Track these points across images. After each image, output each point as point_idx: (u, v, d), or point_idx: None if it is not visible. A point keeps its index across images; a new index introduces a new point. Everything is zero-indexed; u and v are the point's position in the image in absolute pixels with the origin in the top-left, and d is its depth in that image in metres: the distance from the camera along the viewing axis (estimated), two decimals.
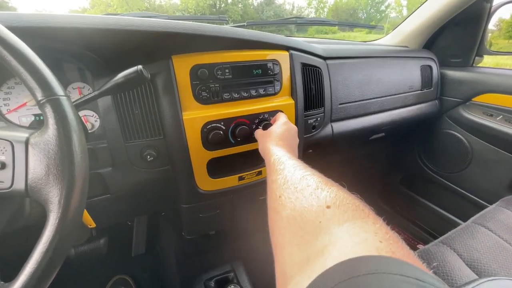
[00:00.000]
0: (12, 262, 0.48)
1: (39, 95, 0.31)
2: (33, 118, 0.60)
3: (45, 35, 0.47)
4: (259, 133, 0.65)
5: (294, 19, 1.28)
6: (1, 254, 0.38)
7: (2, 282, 0.33)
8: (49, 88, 0.32)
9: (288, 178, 0.34)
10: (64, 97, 0.33)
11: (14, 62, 0.30)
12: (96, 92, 0.49)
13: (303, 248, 0.24)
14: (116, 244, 1.13)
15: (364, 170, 1.65)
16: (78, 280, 1.10)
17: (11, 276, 0.34)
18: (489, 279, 0.41)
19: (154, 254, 1.26)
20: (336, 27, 1.34)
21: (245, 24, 1.13)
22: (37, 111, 0.60)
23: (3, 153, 0.33)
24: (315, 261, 0.22)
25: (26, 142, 0.33)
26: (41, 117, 0.60)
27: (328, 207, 0.26)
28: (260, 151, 0.58)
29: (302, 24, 1.26)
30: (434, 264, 0.67)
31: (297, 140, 0.60)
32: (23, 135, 0.34)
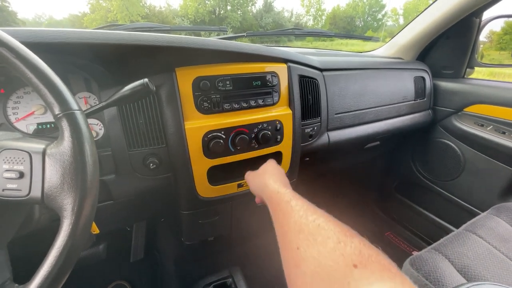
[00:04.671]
0: (21, 266, 0.50)
1: (57, 110, 0.34)
2: (36, 126, 0.62)
3: (58, 49, 0.50)
4: (250, 174, 0.65)
5: (291, 30, 1.32)
6: (12, 258, 0.40)
7: (17, 285, 0.35)
8: (66, 103, 0.35)
9: (303, 226, 0.34)
10: (78, 111, 0.36)
11: (34, 80, 0.33)
12: (104, 103, 0.51)
13: None
14: (115, 250, 1.14)
15: (360, 177, 1.68)
16: (77, 285, 1.10)
17: (22, 279, 0.36)
18: (474, 284, 0.43)
19: (153, 259, 1.27)
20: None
21: (245, 34, 1.16)
22: (42, 120, 0.62)
23: (21, 163, 0.35)
24: None
25: (43, 153, 0.35)
26: (44, 126, 0.63)
27: (355, 266, 0.26)
28: (255, 189, 0.57)
29: (299, 35, 1.30)
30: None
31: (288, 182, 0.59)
32: (40, 146, 0.36)
